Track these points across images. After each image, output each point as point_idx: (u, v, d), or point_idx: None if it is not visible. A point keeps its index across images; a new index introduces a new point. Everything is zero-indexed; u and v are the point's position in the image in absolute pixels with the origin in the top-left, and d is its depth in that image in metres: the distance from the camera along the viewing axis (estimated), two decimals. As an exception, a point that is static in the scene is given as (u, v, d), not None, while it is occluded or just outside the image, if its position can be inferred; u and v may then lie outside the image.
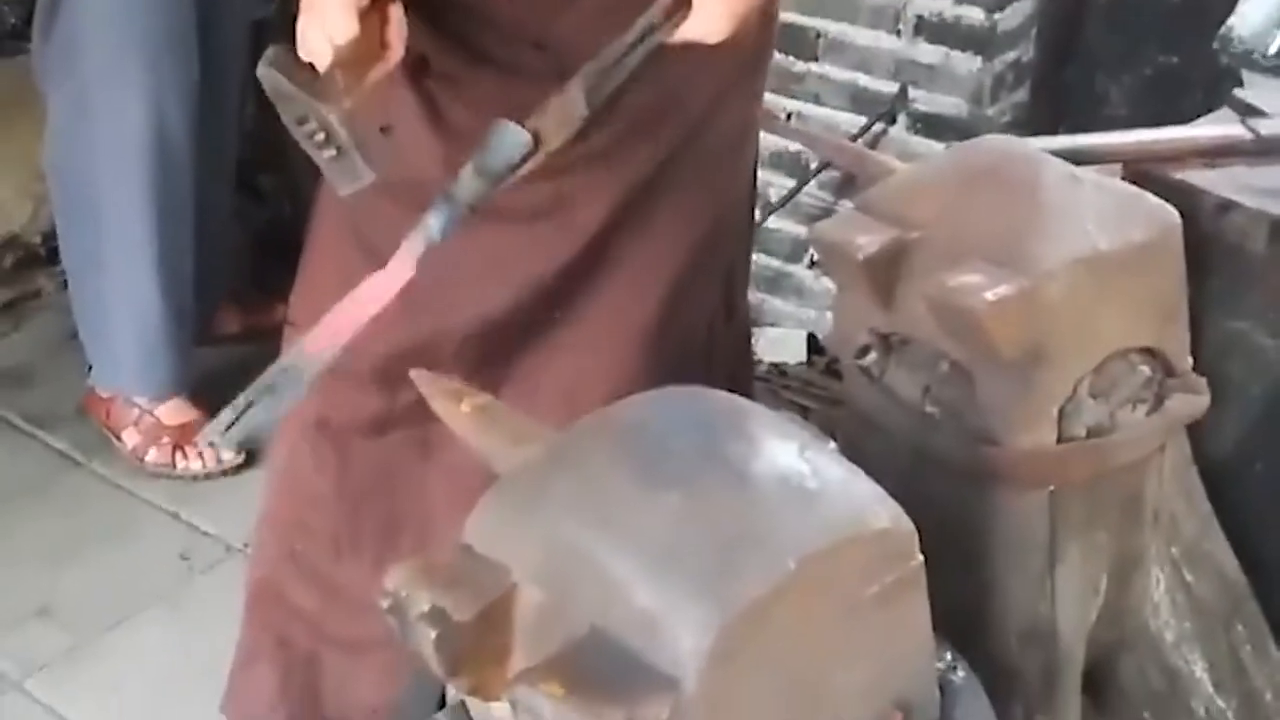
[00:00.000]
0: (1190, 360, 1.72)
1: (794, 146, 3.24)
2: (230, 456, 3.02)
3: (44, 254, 3.50)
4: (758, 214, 3.25)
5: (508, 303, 1.81)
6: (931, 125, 3.14)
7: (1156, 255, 1.65)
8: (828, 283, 3.29)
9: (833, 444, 1.36)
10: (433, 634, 1.18)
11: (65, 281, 3.15)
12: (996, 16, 3.03)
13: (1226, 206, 1.88)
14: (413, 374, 1.49)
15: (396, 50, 1.61)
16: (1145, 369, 1.67)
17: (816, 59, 3.22)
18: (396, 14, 1.61)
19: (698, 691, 1.12)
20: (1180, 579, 1.80)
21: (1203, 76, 2.93)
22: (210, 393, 3.11)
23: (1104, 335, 1.63)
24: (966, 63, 3.08)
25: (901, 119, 3.17)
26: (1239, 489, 1.90)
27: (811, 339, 3.40)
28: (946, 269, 1.58)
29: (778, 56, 3.18)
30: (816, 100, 3.25)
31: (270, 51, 1.50)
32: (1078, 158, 1.82)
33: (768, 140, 3.13)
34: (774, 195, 3.32)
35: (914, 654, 1.29)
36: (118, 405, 3.05)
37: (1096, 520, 1.69)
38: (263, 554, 2.11)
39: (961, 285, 1.56)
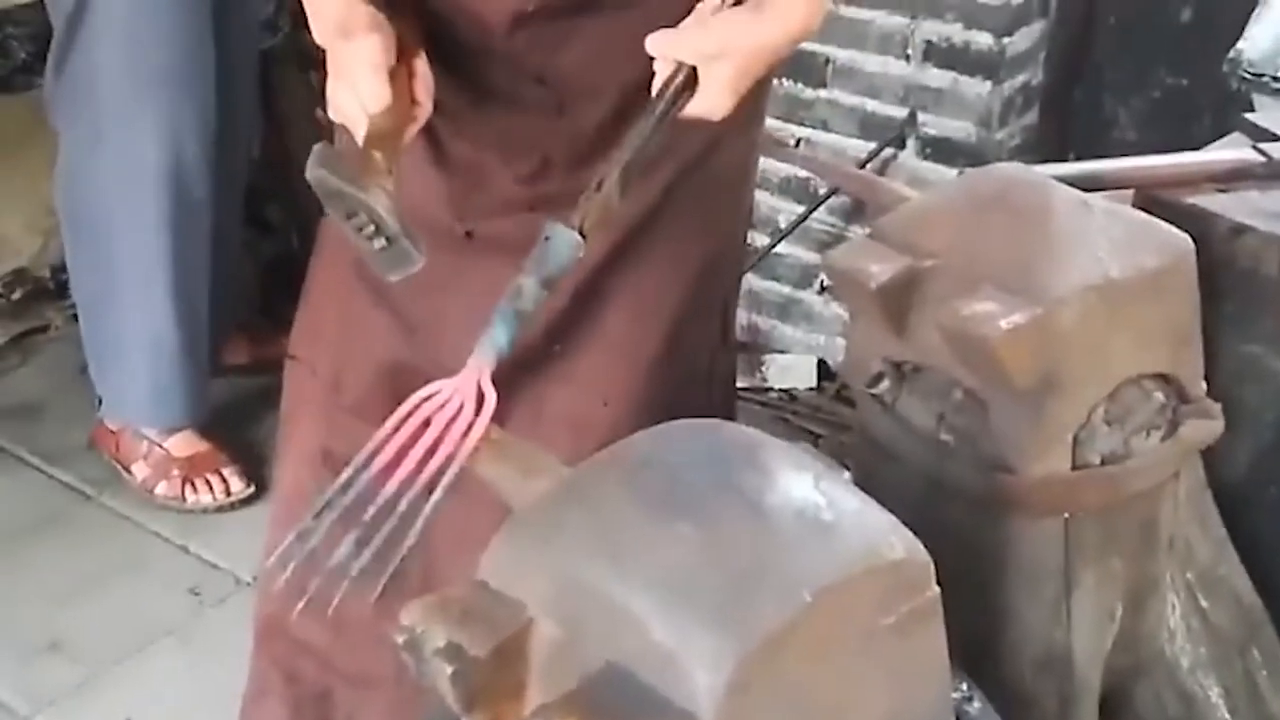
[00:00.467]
0: (1204, 385, 1.72)
1: (803, 172, 3.25)
2: (239, 488, 3.02)
3: (53, 287, 3.51)
4: (766, 240, 3.29)
5: None
6: (941, 149, 3.15)
7: (1169, 282, 1.65)
8: (837, 308, 3.29)
9: (847, 474, 1.36)
10: (449, 670, 1.18)
11: (74, 315, 3.15)
12: (1005, 41, 3.03)
13: (1239, 230, 1.87)
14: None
15: (426, 107, 1.61)
16: (1159, 395, 1.67)
17: (825, 85, 3.23)
18: (422, 68, 1.61)
19: (714, 726, 1.11)
20: (1195, 605, 1.79)
21: (1211, 99, 2.93)
22: (219, 424, 3.12)
23: (1117, 362, 1.63)
24: (975, 87, 3.08)
25: (911, 143, 3.18)
26: (1253, 513, 1.90)
27: (821, 365, 3.39)
28: (960, 297, 1.58)
29: (787, 83, 3.20)
30: (825, 126, 3.26)
31: (316, 151, 1.51)
32: (1090, 183, 1.82)
33: (777, 166, 3.16)
34: (783, 221, 3.32)
35: (930, 684, 1.28)
36: (127, 438, 3.05)
37: (1111, 547, 1.69)
38: (269, 587, 2.10)
39: (975, 314, 1.55)
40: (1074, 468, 1.63)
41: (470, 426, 1.41)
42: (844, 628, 1.19)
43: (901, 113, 3.16)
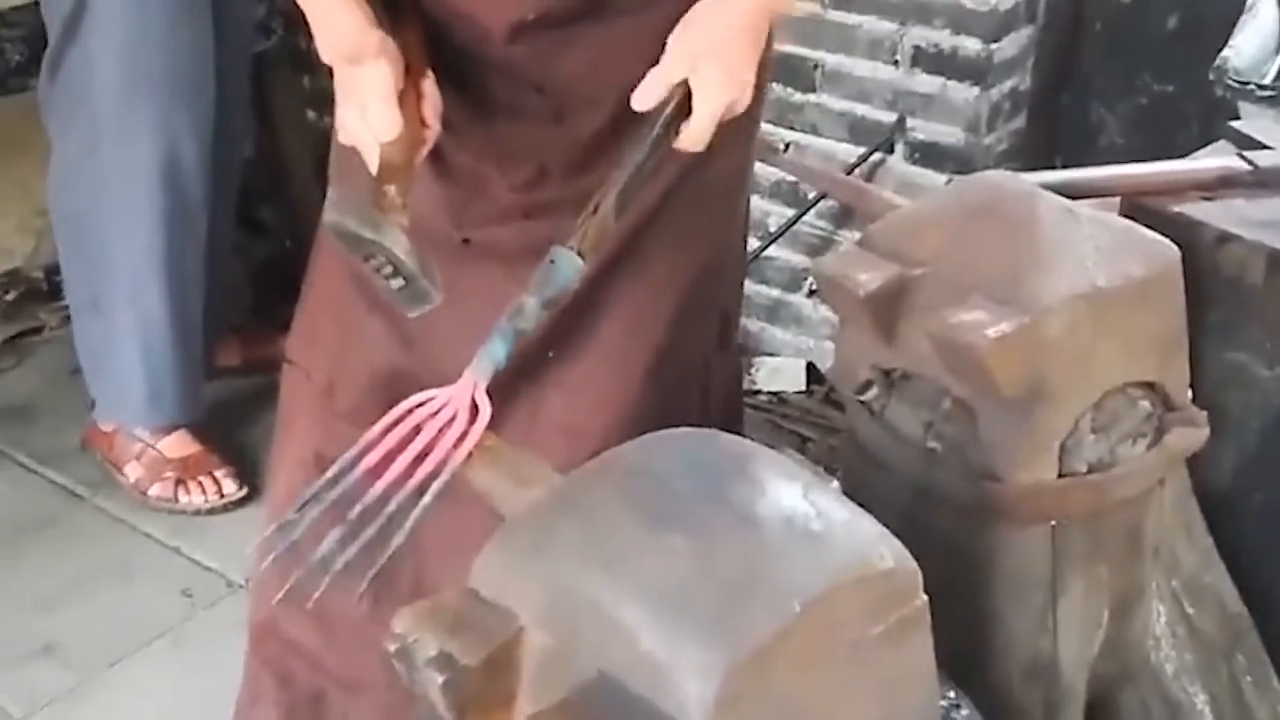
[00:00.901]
0: (1190, 393, 1.73)
1: (793, 176, 3.25)
2: (232, 490, 3.02)
3: (45, 289, 3.50)
4: (756, 243, 3.30)
5: None
6: (929, 154, 3.15)
7: (1156, 290, 1.66)
8: (826, 311, 3.30)
9: (835, 483, 1.37)
10: (440, 679, 1.18)
11: (67, 316, 3.15)
12: (993, 47, 3.04)
13: (1224, 239, 1.88)
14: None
15: (435, 128, 1.63)
16: (1145, 404, 1.68)
17: (815, 90, 3.24)
18: (430, 89, 1.63)
19: (704, 736, 1.13)
20: (1181, 611, 1.80)
21: (1198, 106, 2.94)
22: (211, 426, 3.12)
23: (1104, 371, 1.64)
24: (963, 92, 3.09)
25: (899, 148, 3.18)
26: (1239, 520, 1.90)
27: (811, 368, 3.40)
28: (948, 306, 1.59)
29: (776, 88, 3.20)
30: (815, 130, 3.26)
31: (331, 198, 1.53)
32: (1077, 191, 1.83)
33: (767, 170, 3.16)
34: (773, 224, 3.33)
35: (918, 692, 1.29)
36: (120, 439, 3.05)
37: (1098, 554, 1.70)
38: (262, 590, 2.11)
39: (963, 323, 1.56)
40: (1060, 476, 1.64)
41: (464, 435, 1.43)
42: (833, 637, 1.20)
43: (890, 117, 3.17)
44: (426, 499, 1.39)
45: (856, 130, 3.22)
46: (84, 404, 3.12)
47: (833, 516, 1.25)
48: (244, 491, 3.02)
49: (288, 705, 2.07)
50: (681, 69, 1.58)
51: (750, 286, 3.42)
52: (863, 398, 1.73)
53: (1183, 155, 2.08)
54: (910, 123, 3.16)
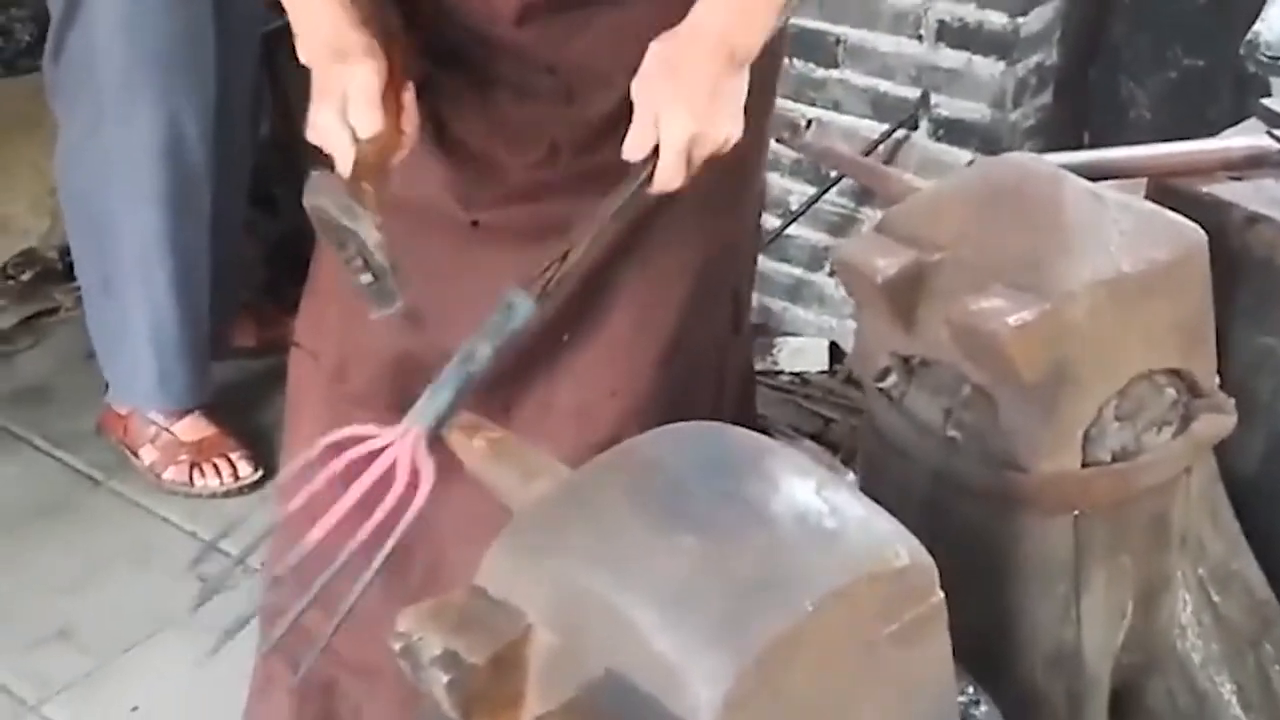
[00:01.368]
0: (1217, 379, 1.70)
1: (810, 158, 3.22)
2: (247, 473, 3.00)
3: (61, 269, 3.49)
4: (777, 221, 3.27)
5: None
6: (954, 131, 3.12)
7: (1181, 276, 1.63)
8: (849, 291, 3.26)
9: (851, 476, 1.34)
10: (445, 678, 1.17)
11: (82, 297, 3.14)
12: (1019, 20, 3.00)
13: (1254, 219, 1.85)
14: None
15: (411, 137, 1.63)
16: (1171, 391, 1.65)
17: (837, 65, 3.20)
18: (410, 100, 1.63)
19: (715, 739, 1.10)
20: (1207, 600, 1.78)
21: (1228, 79, 2.90)
22: (226, 408, 3.11)
23: (1128, 357, 1.62)
24: (989, 67, 3.05)
25: (923, 125, 3.15)
26: (1267, 506, 1.88)
27: (833, 347, 3.37)
28: (968, 292, 1.57)
29: (798, 63, 3.17)
30: (837, 107, 3.23)
31: (312, 179, 1.52)
32: (1102, 172, 1.80)
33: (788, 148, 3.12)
34: (794, 203, 3.30)
35: (935, 690, 1.27)
36: (135, 422, 3.04)
37: (1122, 544, 1.68)
38: (273, 576, 2.10)
39: (984, 310, 1.54)
40: (1084, 465, 1.62)
41: (400, 500, 1.41)
42: (846, 637, 1.18)
43: (914, 93, 3.13)
44: (375, 565, 1.38)
45: (879, 106, 3.18)
46: (99, 387, 3.11)
47: (847, 513, 1.23)
48: (259, 474, 3.00)
49: (300, 692, 2.06)
50: (650, 114, 1.56)
51: (772, 265, 3.39)
52: (881, 385, 1.71)
53: (1213, 130, 2.05)
54: (935, 99, 3.12)
